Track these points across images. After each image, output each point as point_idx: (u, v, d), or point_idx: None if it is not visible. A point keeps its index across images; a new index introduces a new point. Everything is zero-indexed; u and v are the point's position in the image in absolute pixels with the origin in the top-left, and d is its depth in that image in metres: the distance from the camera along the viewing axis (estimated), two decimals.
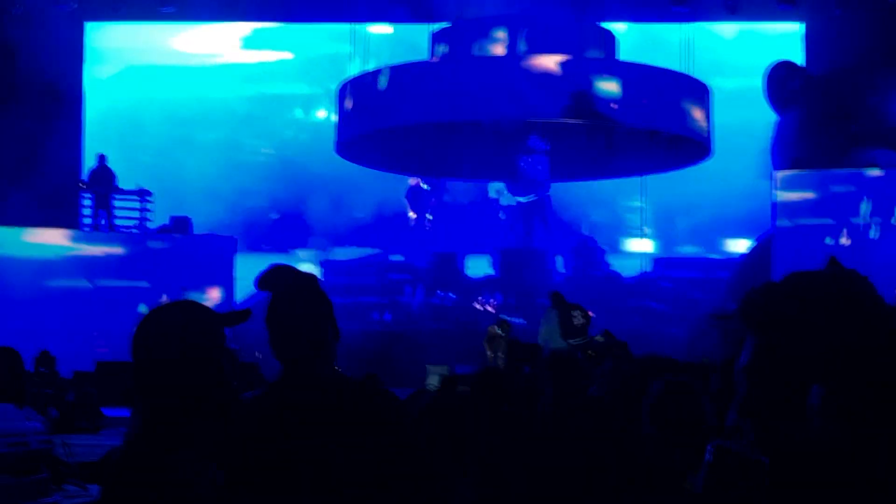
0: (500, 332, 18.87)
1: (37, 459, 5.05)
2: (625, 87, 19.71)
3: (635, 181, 25.18)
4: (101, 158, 23.62)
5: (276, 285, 3.13)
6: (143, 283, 21.65)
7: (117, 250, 22.04)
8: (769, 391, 2.26)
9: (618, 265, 26.18)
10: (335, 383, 3.06)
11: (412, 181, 26.65)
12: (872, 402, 2.12)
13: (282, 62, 27.66)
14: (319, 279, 3.26)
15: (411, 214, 26.96)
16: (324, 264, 26.25)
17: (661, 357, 4.34)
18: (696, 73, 21.10)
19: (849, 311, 2.18)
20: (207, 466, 2.69)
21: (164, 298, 20.50)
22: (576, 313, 17.91)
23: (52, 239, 21.81)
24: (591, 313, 18.27)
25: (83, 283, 21.46)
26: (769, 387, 2.25)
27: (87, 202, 24.19)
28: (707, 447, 2.19)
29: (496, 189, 26.71)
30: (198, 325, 2.76)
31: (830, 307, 2.17)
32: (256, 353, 16.62)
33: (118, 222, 23.45)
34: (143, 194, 23.69)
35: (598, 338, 16.47)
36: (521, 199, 24.93)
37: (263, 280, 3.13)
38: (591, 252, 25.82)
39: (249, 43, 27.99)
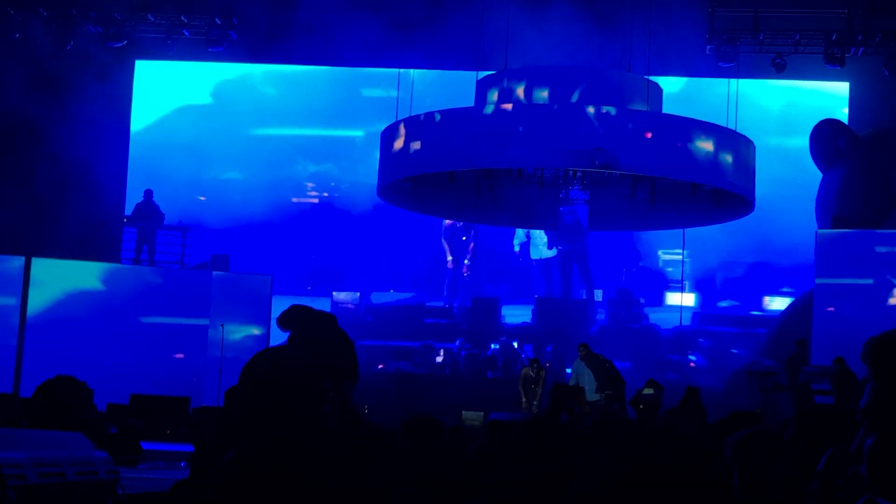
0: (531, 373, 18.78)
1: (103, 490, 5.02)
2: (670, 139, 19.67)
3: (676, 233, 25.09)
4: (148, 193, 23.76)
5: (297, 323, 3.18)
6: (182, 319, 21.71)
7: (157, 285, 22.07)
8: (886, 435, 2.27)
9: (655, 318, 26.06)
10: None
11: (447, 222, 26.64)
12: None
13: (327, 105, 27.79)
14: (336, 318, 3.32)
15: (449, 258, 26.99)
16: (362, 307, 26.25)
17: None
18: (741, 129, 21.05)
19: None
20: None
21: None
22: (608, 366, 17.87)
23: (90, 271, 21.86)
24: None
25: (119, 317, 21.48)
26: (886, 430, 2.26)
27: (128, 237, 24.34)
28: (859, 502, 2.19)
29: (520, 242, 26.76)
30: (305, 371, 2.76)
31: None
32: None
33: (158, 258, 23.56)
34: (185, 230, 23.82)
35: (647, 390, 16.39)
36: (560, 248, 24.95)
37: (284, 319, 3.20)
38: (629, 303, 25.75)
39: (295, 84, 28.18)
